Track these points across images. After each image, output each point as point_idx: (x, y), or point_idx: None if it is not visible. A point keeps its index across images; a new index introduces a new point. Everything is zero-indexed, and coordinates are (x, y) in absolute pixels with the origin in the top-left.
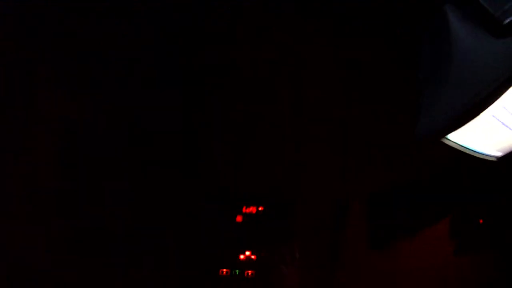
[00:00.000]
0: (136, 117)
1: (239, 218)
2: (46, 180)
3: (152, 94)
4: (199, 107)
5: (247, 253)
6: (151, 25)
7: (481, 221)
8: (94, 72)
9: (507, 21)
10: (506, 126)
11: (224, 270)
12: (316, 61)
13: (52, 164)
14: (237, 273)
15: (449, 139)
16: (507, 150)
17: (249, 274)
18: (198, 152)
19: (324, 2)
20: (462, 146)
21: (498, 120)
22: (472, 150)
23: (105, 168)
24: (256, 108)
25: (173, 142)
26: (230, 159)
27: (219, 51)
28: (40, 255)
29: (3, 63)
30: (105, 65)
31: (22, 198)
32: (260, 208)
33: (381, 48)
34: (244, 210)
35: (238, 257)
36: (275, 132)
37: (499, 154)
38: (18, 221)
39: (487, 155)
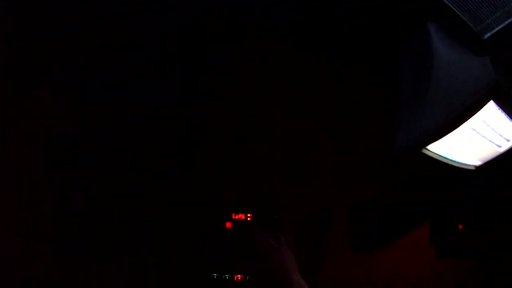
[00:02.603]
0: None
1: (228, 225)
2: (40, 181)
3: (151, 94)
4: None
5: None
6: (151, 25)
7: (460, 226)
8: (93, 72)
9: (487, 35)
10: (485, 138)
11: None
12: (315, 67)
13: (45, 164)
14: (227, 277)
15: (429, 150)
16: (485, 160)
17: (239, 278)
18: (193, 158)
19: (325, 2)
20: (442, 157)
21: (478, 132)
22: (452, 160)
23: (102, 171)
24: (249, 114)
25: (169, 146)
26: (222, 166)
27: (219, 51)
28: (38, 256)
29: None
30: (105, 64)
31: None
32: (248, 215)
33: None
34: (233, 216)
35: (229, 261)
36: (266, 140)
37: (478, 163)
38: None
39: (466, 164)
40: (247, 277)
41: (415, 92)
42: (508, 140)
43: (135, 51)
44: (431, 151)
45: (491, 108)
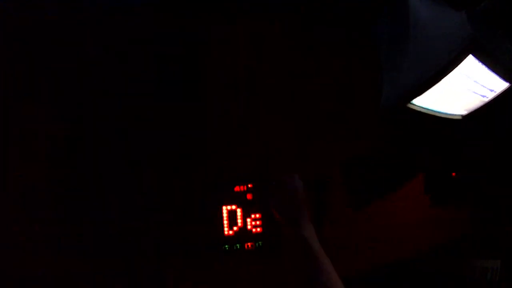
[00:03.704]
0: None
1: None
2: (43, 184)
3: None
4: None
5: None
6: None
7: (453, 174)
8: (92, 73)
9: None
10: (469, 90)
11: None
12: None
13: (45, 168)
14: (238, 247)
15: (414, 104)
16: (472, 109)
17: (249, 246)
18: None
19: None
20: (427, 109)
21: (460, 85)
22: (438, 112)
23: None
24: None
25: (169, 136)
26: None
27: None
28: (40, 258)
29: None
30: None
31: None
32: (249, 185)
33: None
34: (235, 189)
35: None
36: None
37: (464, 112)
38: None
39: (452, 115)
40: (257, 244)
41: (396, 49)
42: (492, 90)
43: (135, 52)
44: (416, 105)
45: (471, 62)
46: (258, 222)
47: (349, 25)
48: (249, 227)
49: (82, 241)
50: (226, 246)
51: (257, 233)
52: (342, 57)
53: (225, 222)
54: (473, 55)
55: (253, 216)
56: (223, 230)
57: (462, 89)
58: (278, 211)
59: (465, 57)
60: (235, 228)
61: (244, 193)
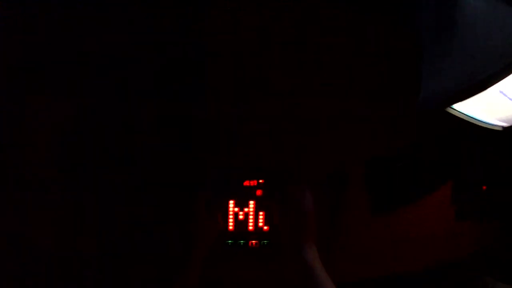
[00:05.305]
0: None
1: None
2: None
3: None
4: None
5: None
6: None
7: (484, 187)
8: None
9: None
10: None
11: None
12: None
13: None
14: (242, 244)
15: (454, 109)
16: None
17: (253, 244)
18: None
19: None
20: (467, 116)
21: (506, 96)
22: (478, 120)
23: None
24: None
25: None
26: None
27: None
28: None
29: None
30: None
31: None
32: (260, 181)
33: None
34: (245, 184)
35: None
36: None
37: (505, 124)
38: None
39: (492, 125)
40: (262, 243)
41: (440, 45)
42: None
43: (137, 50)
44: (457, 110)
45: None
46: (266, 220)
47: (385, 8)
48: (255, 223)
49: (84, 242)
50: (230, 241)
51: (264, 232)
52: (374, 44)
53: (231, 216)
54: None
55: (261, 213)
56: (227, 225)
57: (507, 99)
58: (281, 225)
59: None
60: (240, 224)
61: (254, 188)
